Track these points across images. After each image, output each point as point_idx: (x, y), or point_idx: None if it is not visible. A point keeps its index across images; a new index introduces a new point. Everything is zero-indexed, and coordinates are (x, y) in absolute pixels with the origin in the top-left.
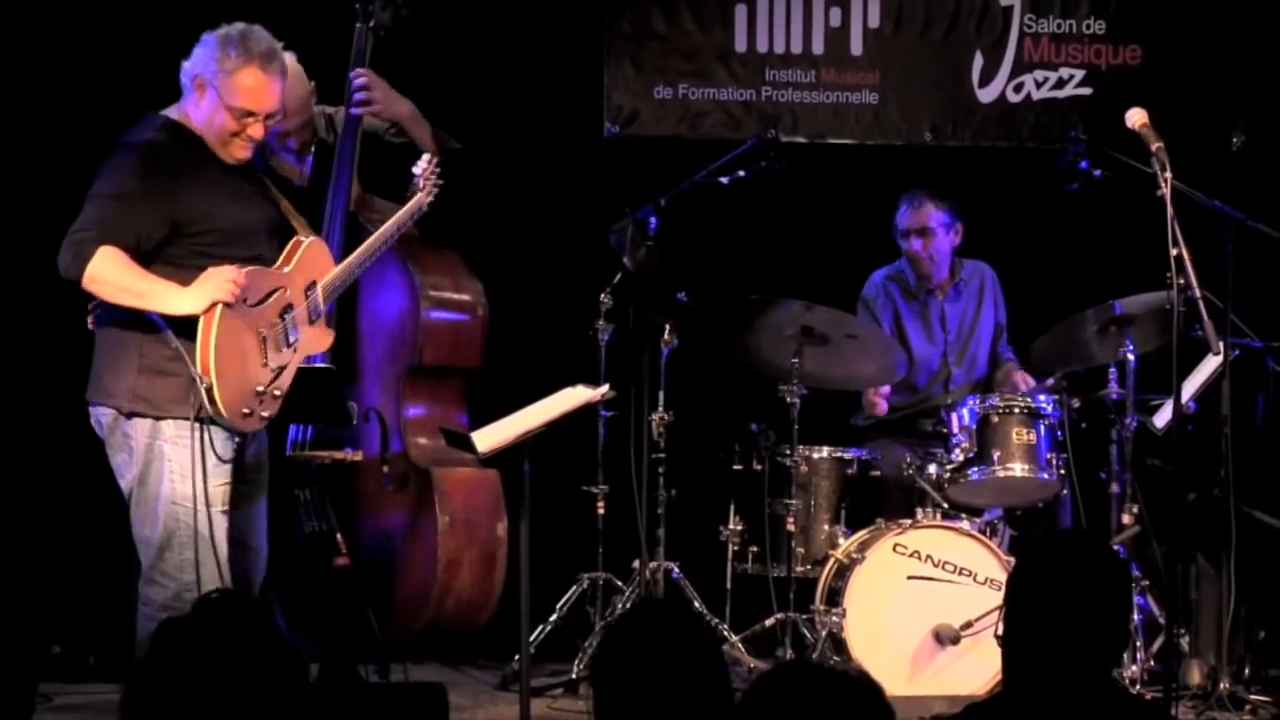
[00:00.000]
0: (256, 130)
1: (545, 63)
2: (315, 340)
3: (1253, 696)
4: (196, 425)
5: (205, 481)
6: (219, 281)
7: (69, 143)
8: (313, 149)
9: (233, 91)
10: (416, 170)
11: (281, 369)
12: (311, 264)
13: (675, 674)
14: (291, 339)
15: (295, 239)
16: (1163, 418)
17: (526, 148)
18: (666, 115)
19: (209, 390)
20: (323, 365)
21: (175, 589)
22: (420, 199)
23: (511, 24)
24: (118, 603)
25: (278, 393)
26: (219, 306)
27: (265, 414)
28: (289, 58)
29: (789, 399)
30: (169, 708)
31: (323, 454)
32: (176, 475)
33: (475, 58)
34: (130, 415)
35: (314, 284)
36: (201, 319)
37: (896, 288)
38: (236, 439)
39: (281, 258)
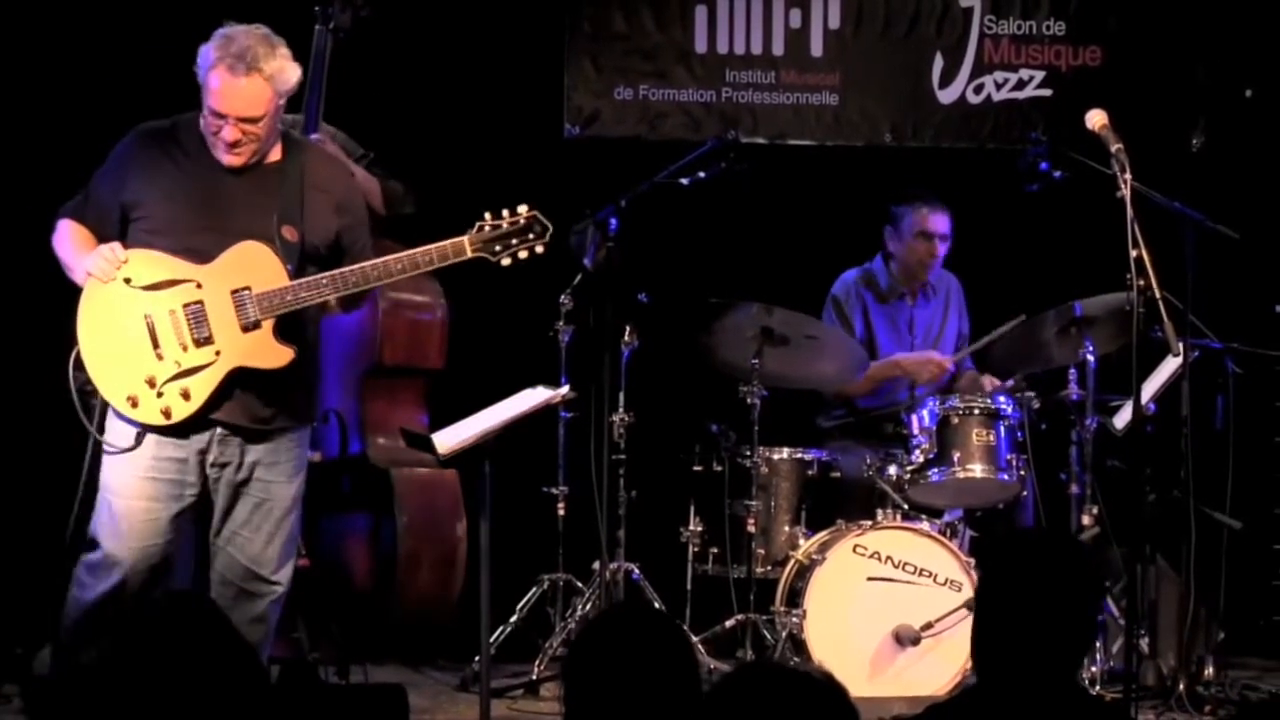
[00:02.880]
0: (228, 133)
1: (505, 63)
2: (254, 352)
3: (1212, 695)
4: (78, 397)
5: (96, 455)
6: (93, 255)
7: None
8: None
9: (205, 90)
10: (498, 220)
11: (198, 368)
12: (241, 267)
13: (647, 678)
14: (198, 337)
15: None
16: (1123, 419)
17: (486, 148)
18: (627, 116)
19: (77, 356)
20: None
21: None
22: (461, 245)
23: (471, 24)
24: None
25: (191, 392)
26: (90, 279)
27: (170, 409)
28: None
29: (749, 400)
30: (129, 709)
31: None
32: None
33: (435, 59)
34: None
35: (247, 289)
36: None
37: (868, 289)
38: (180, 443)
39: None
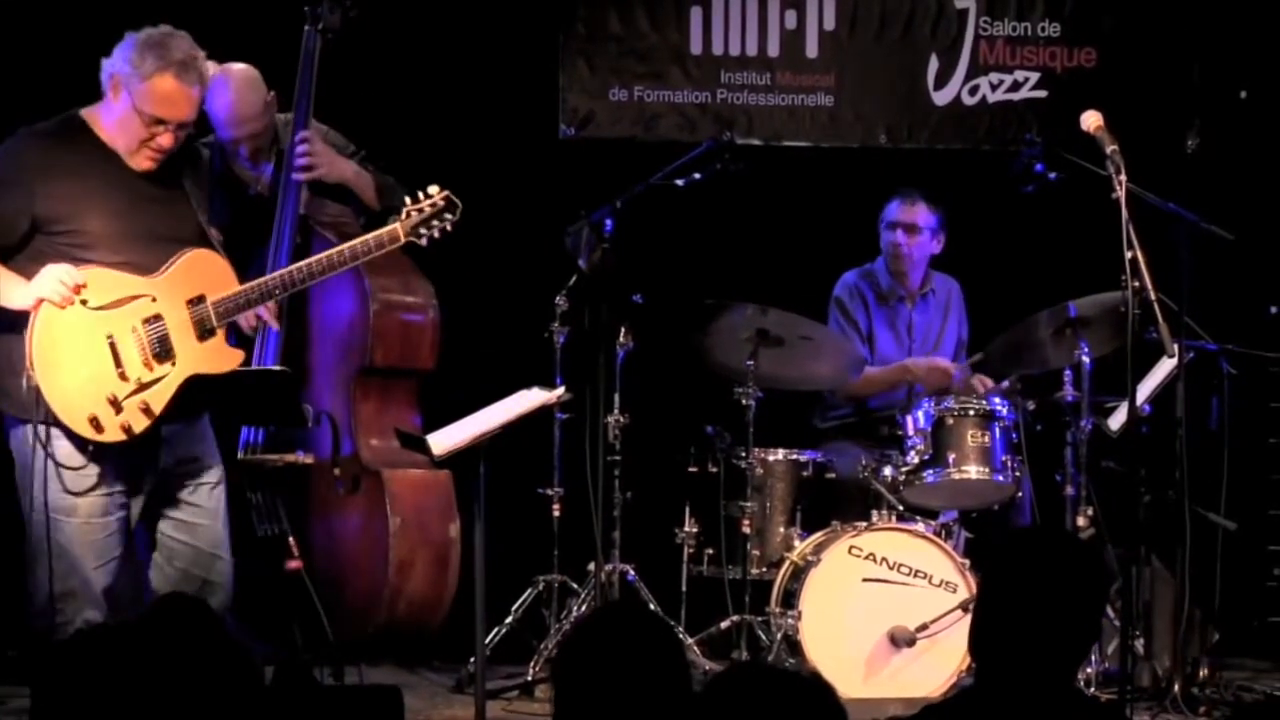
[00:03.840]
0: (165, 139)
1: (500, 64)
2: (209, 359)
3: (1207, 697)
4: (42, 429)
5: (46, 488)
6: (47, 279)
7: None
8: (272, 156)
9: (145, 97)
10: (420, 204)
11: (156, 381)
12: (194, 276)
13: (637, 677)
14: (159, 352)
15: (183, 253)
16: (1118, 420)
17: (481, 149)
18: (622, 117)
19: (35, 389)
20: (278, 368)
21: (40, 605)
22: (395, 232)
23: (466, 25)
24: None
25: (151, 405)
26: (42, 304)
27: (130, 424)
28: (243, 67)
29: (744, 401)
30: (125, 712)
31: (274, 457)
32: (37, 484)
33: (430, 59)
34: (11, 420)
35: (202, 298)
36: (31, 315)
37: (869, 290)
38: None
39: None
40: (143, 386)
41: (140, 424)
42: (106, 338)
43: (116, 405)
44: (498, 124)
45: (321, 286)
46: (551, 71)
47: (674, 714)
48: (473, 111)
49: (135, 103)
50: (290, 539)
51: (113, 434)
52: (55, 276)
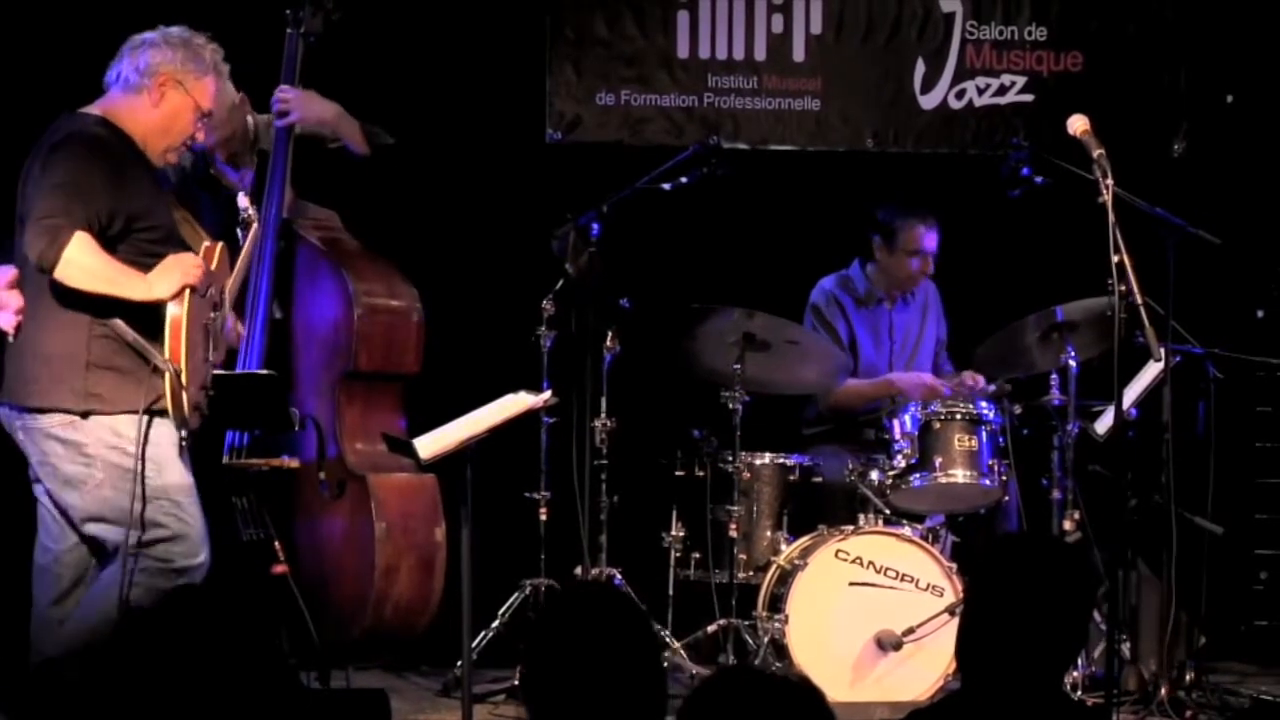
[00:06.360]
0: (202, 134)
1: (487, 68)
2: (219, 346)
3: (1193, 701)
4: (145, 419)
5: (142, 479)
6: (187, 266)
7: None
8: (253, 159)
9: (206, 92)
10: (241, 206)
11: (213, 369)
12: (221, 269)
13: (608, 658)
14: (218, 340)
15: (208, 243)
16: (1104, 424)
17: (468, 153)
18: (609, 121)
19: (177, 376)
20: (264, 371)
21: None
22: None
23: (452, 29)
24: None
25: (211, 393)
26: (188, 292)
27: (204, 412)
28: None
29: (731, 405)
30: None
31: (259, 461)
32: (151, 471)
33: (416, 64)
34: (86, 415)
35: (223, 289)
36: (170, 305)
37: (846, 295)
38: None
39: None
40: (210, 372)
41: (203, 408)
42: (204, 325)
43: (206, 390)
44: (484, 128)
45: (305, 290)
46: (538, 76)
47: (646, 692)
48: (459, 115)
49: (196, 100)
50: (276, 543)
51: (198, 420)
52: (191, 263)
